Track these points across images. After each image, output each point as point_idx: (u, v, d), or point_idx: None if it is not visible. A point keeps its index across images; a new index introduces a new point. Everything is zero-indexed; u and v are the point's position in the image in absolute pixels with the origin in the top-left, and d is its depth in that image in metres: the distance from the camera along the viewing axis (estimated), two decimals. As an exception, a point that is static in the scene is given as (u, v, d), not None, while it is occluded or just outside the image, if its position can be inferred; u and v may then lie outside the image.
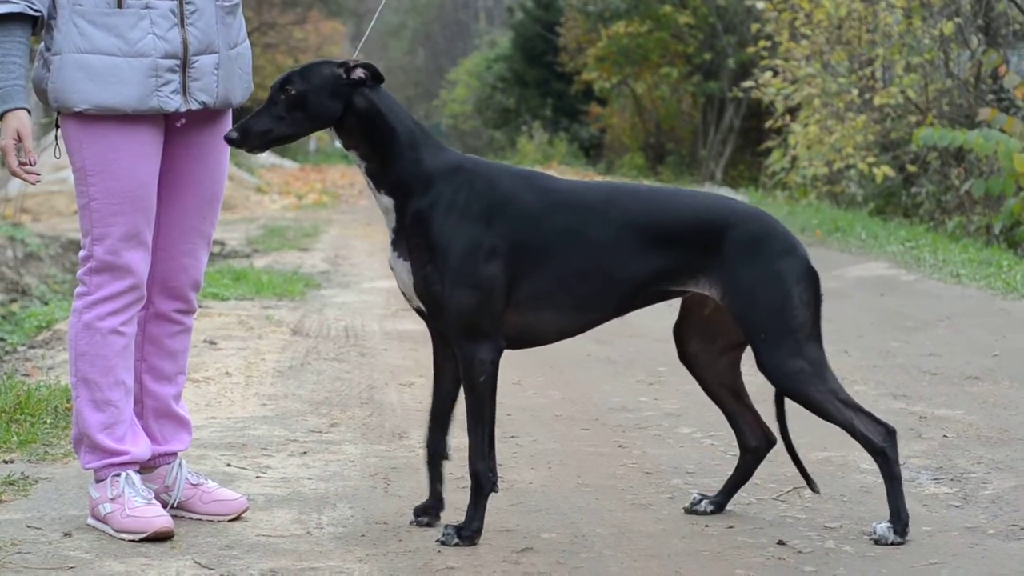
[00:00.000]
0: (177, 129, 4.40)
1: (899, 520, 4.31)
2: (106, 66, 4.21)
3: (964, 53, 16.05)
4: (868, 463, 5.30)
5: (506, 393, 6.62)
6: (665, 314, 4.99)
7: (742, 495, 4.76)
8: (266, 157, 30.24)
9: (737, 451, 4.69)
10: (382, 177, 4.28)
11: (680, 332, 4.61)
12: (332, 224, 17.53)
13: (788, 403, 4.44)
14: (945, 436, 5.77)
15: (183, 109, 4.30)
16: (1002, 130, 12.95)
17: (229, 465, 5.23)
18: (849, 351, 7.84)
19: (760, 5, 20.24)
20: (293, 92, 4.21)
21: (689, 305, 4.55)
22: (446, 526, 4.32)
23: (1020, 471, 5.20)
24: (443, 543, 4.26)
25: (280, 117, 4.22)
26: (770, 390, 4.45)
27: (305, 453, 5.44)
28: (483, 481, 4.30)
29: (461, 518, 4.32)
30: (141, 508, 4.30)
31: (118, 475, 4.35)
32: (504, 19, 50.12)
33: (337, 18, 41.68)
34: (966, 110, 15.55)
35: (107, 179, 4.27)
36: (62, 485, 4.88)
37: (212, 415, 6.09)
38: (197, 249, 4.51)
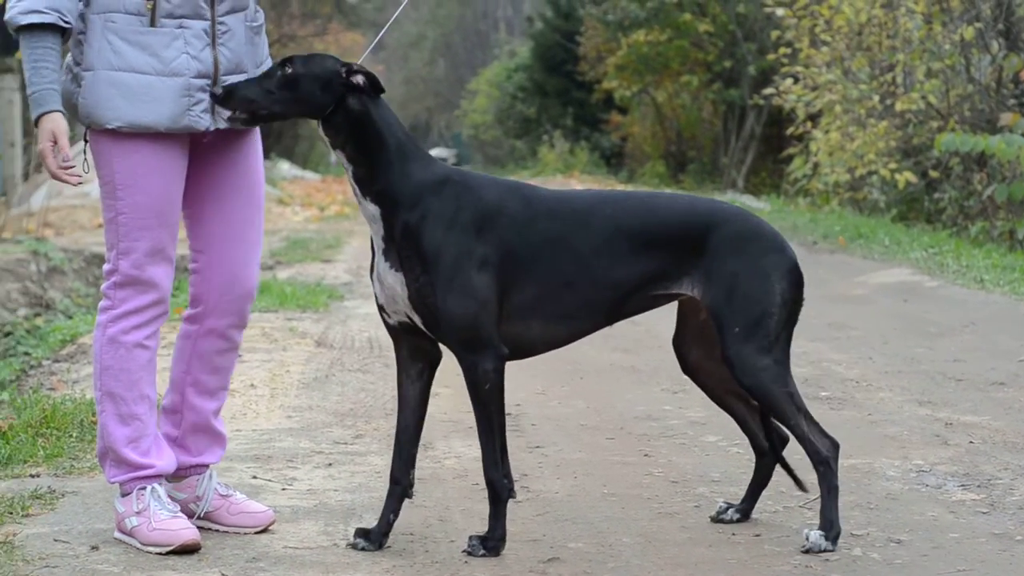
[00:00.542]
0: (204, 144, 4.42)
1: (831, 529, 4.32)
2: (140, 84, 4.23)
3: (985, 58, 16.00)
4: (894, 471, 5.29)
5: (531, 403, 6.63)
6: (689, 322, 4.98)
7: (768, 503, 4.75)
8: (287, 169, 30.30)
9: (762, 458, 4.69)
10: (369, 184, 4.27)
11: (679, 344, 4.61)
12: (354, 235, 17.53)
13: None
14: (971, 442, 5.75)
15: (212, 128, 4.32)
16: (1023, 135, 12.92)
17: (255, 477, 5.24)
18: (874, 357, 7.82)
19: (780, 12, 20.22)
20: (289, 72, 4.22)
21: (684, 313, 4.55)
22: (471, 537, 4.32)
23: (1047, 477, 5.18)
24: (470, 553, 4.26)
25: (269, 91, 4.22)
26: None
27: (331, 465, 5.45)
28: (499, 489, 4.30)
29: (484, 529, 4.32)
30: (167, 521, 4.31)
31: (143, 488, 4.36)
32: (524, 29, 50.18)
33: (357, 29, 41.75)
34: (987, 115, 15.51)
35: (136, 194, 4.28)
36: (88, 499, 4.89)
37: (238, 427, 6.10)
38: (247, 257, 4.52)
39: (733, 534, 4.52)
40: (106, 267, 4.38)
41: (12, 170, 21.05)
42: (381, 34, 4.91)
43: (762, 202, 22.36)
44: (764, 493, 4.71)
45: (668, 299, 4.43)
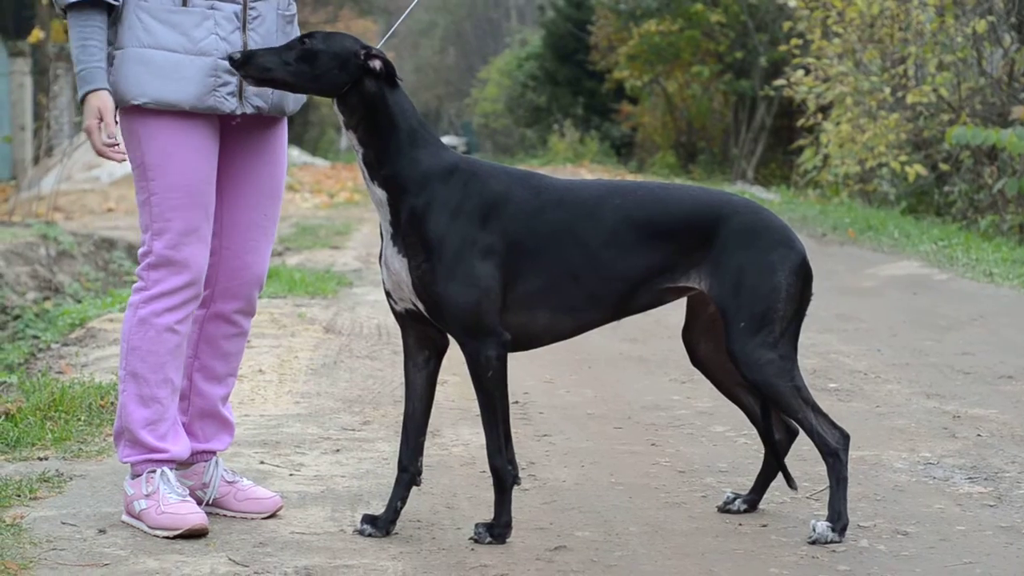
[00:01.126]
0: (233, 128, 4.43)
1: (839, 520, 4.31)
2: (168, 62, 4.25)
3: (997, 51, 15.97)
4: (901, 463, 5.29)
5: (538, 391, 6.63)
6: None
7: (775, 494, 4.75)
8: (297, 155, 30.31)
9: (770, 449, 4.69)
10: (377, 168, 4.27)
11: (688, 337, 4.61)
12: (364, 222, 17.54)
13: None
14: (979, 435, 5.75)
15: (238, 112, 4.33)
16: (1035, 129, 12.91)
17: (263, 463, 5.24)
18: (882, 350, 7.82)
19: (792, 3, 20.18)
20: (308, 46, 4.22)
21: (693, 306, 4.55)
22: (477, 524, 4.32)
23: (1055, 471, 5.18)
24: (476, 541, 4.27)
25: (286, 63, 4.21)
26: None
27: (338, 451, 5.46)
28: (503, 476, 4.30)
29: (490, 516, 4.33)
30: (176, 505, 4.31)
31: (154, 471, 4.36)
32: (535, 17, 50.13)
33: (368, 16, 41.77)
34: (999, 108, 15.48)
35: (167, 174, 4.29)
36: (96, 482, 4.90)
37: (245, 413, 6.10)
38: (259, 245, 4.53)
39: (740, 524, 4.52)
40: (141, 250, 4.39)
41: (23, 154, 21.09)
42: (397, 24, 4.90)
43: (772, 193, 22.34)
44: (772, 484, 4.70)
45: (677, 294, 4.41)
